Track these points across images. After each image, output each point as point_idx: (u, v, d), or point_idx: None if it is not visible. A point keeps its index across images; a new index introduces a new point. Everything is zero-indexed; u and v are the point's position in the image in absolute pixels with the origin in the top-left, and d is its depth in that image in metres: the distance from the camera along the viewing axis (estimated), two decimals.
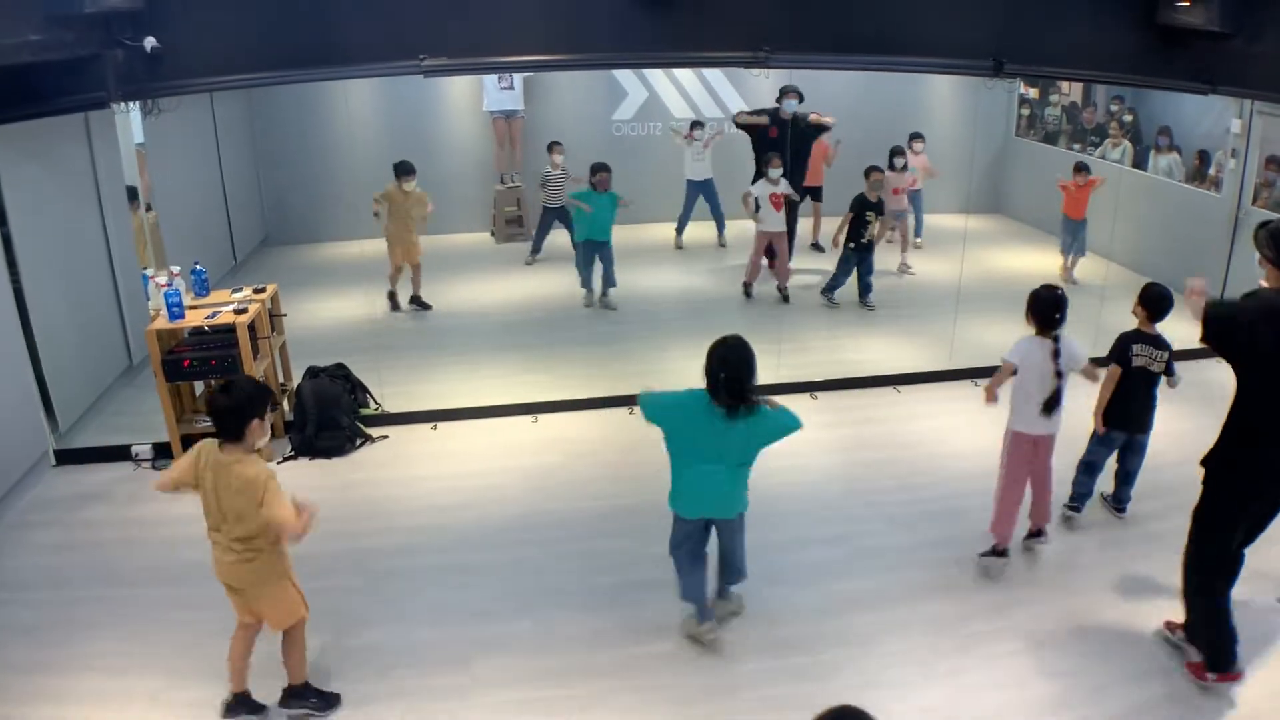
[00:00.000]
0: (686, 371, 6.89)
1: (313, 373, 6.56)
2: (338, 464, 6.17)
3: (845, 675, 4.19)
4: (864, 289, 8.97)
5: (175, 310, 5.96)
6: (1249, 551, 3.99)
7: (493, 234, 11.33)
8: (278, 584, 3.79)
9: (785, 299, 9.07)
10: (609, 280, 8.96)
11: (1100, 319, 7.53)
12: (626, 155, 10.94)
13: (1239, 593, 3.99)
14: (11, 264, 5.82)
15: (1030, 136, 12.19)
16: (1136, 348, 4.99)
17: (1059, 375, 4.65)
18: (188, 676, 4.19)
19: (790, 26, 5.74)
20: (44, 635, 4.49)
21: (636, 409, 6.75)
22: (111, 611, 4.66)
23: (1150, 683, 4.10)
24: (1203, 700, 3.98)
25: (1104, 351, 7.09)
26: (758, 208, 8.81)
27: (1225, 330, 3.70)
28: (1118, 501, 5.41)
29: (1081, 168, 9.36)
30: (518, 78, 10.77)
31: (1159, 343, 5.01)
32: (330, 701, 4.02)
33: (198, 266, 6.53)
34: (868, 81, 11.49)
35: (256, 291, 6.50)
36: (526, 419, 6.74)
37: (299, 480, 5.94)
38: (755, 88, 11.21)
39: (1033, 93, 12.03)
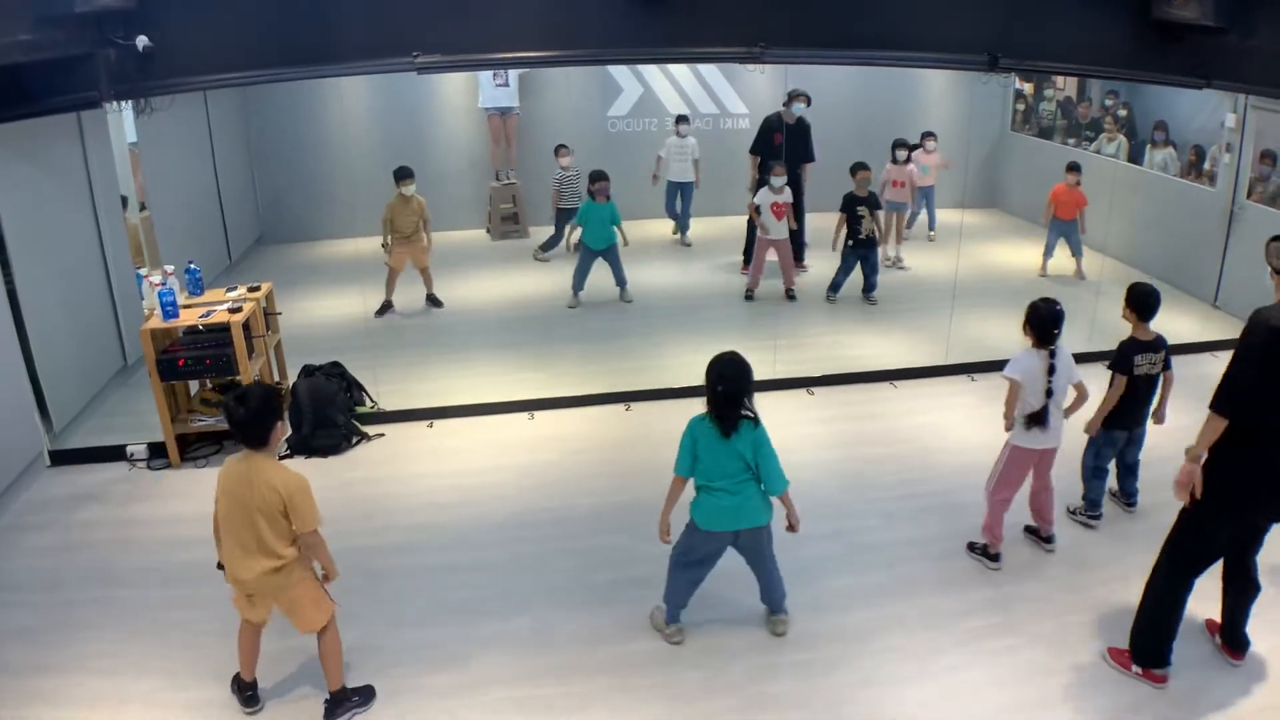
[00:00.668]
0: (682, 369, 6.98)
1: (308, 371, 6.55)
2: (334, 463, 6.16)
3: (842, 671, 4.20)
4: (869, 286, 8.97)
5: (169, 309, 5.95)
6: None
7: (488, 231, 11.31)
8: (305, 584, 3.80)
9: (791, 298, 9.05)
10: (619, 280, 8.96)
11: (1095, 315, 7.56)
12: (622, 152, 10.94)
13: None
14: (5, 264, 5.80)
15: (1026, 131, 12.20)
16: (1138, 358, 4.97)
17: (1049, 394, 4.64)
18: (184, 677, 4.18)
19: (785, 22, 5.72)
20: (40, 637, 4.48)
21: (633, 406, 6.83)
22: (107, 613, 4.65)
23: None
24: (1203, 697, 3.99)
25: (1099, 347, 7.16)
26: (759, 212, 8.80)
27: (1246, 387, 3.65)
28: (1127, 496, 5.42)
29: (1073, 167, 9.32)
30: (513, 74, 10.76)
31: (1157, 346, 5.00)
32: (368, 695, 4.04)
33: (192, 265, 6.52)
34: (863, 77, 11.49)
35: (251, 290, 6.49)
36: (523, 416, 6.73)
37: None
38: (750, 83, 11.20)
39: (1028, 88, 12.03)
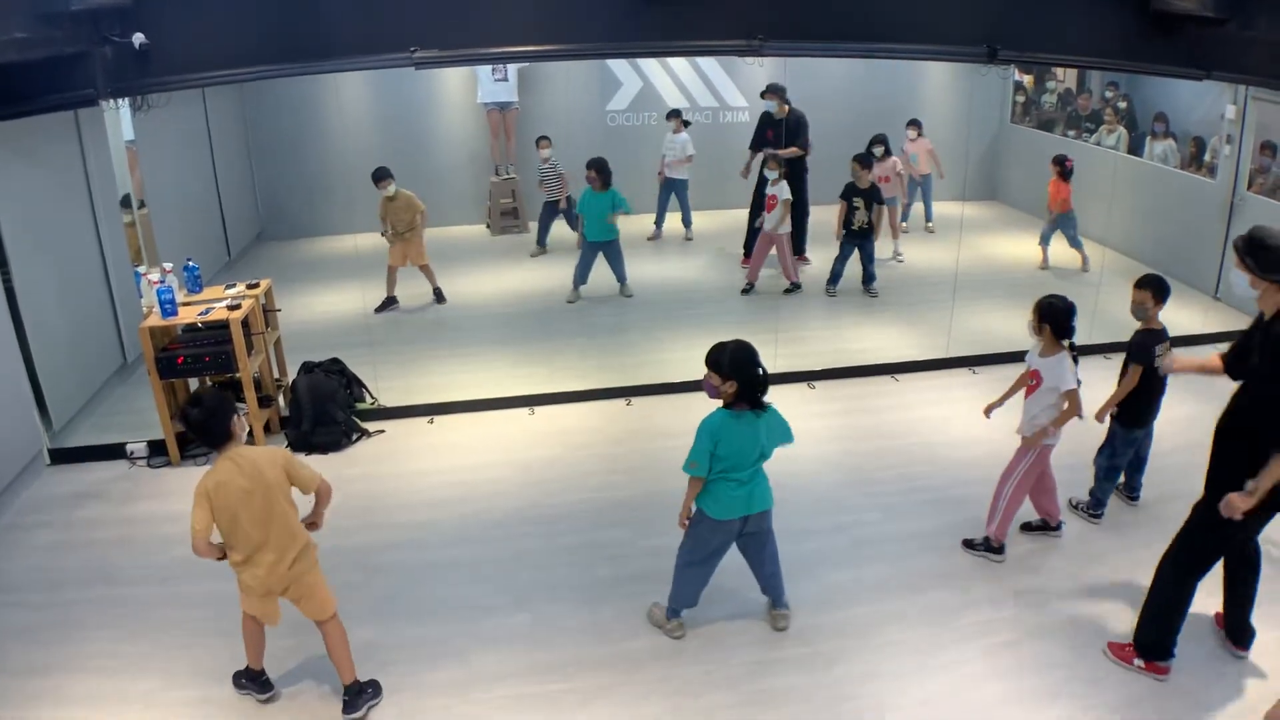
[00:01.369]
0: (683, 362, 6.96)
1: (308, 368, 6.54)
2: (334, 459, 6.15)
3: (844, 666, 4.19)
4: (866, 277, 8.95)
5: (168, 307, 5.93)
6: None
7: (488, 226, 11.30)
8: (317, 567, 3.84)
9: (792, 290, 9.00)
10: (619, 277, 8.93)
11: (1096, 307, 7.54)
12: (621, 146, 10.90)
13: None
14: (3, 263, 5.79)
15: (1025, 123, 12.17)
16: (1158, 348, 4.94)
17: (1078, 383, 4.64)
18: (184, 676, 4.18)
19: (784, 14, 5.70)
20: (40, 636, 4.47)
21: (634, 401, 6.82)
22: (107, 611, 4.65)
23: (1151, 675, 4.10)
24: (1204, 693, 3.98)
25: (1099, 340, 7.15)
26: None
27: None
28: (1131, 489, 5.41)
29: (1054, 160, 9.30)
30: (512, 69, 10.73)
31: (1163, 336, 4.98)
32: (378, 688, 4.06)
33: (190, 263, 6.50)
34: (863, 69, 11.46)
35: (250, 287, 6.48)
36: (523, 411, 6.72)
37: None
38: (750, 76, 11.17)
39: (1027, 79, 12.00)
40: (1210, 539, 3.88)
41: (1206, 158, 9.12)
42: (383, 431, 6.48)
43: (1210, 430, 3.89)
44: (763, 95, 9.30)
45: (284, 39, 5.32)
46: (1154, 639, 4.04)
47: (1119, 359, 5.15)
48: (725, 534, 4.23)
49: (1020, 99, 12.21)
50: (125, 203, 7.64)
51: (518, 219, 11.12)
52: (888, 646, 4.31)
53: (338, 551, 5.08)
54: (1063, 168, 9.18)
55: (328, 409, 6.30)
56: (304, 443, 6.21)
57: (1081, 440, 5.32)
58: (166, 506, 5.56)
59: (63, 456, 6.13)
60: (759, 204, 9.13)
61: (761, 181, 9.13)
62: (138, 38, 4.94)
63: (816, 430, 6.37)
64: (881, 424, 6.51)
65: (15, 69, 4.54)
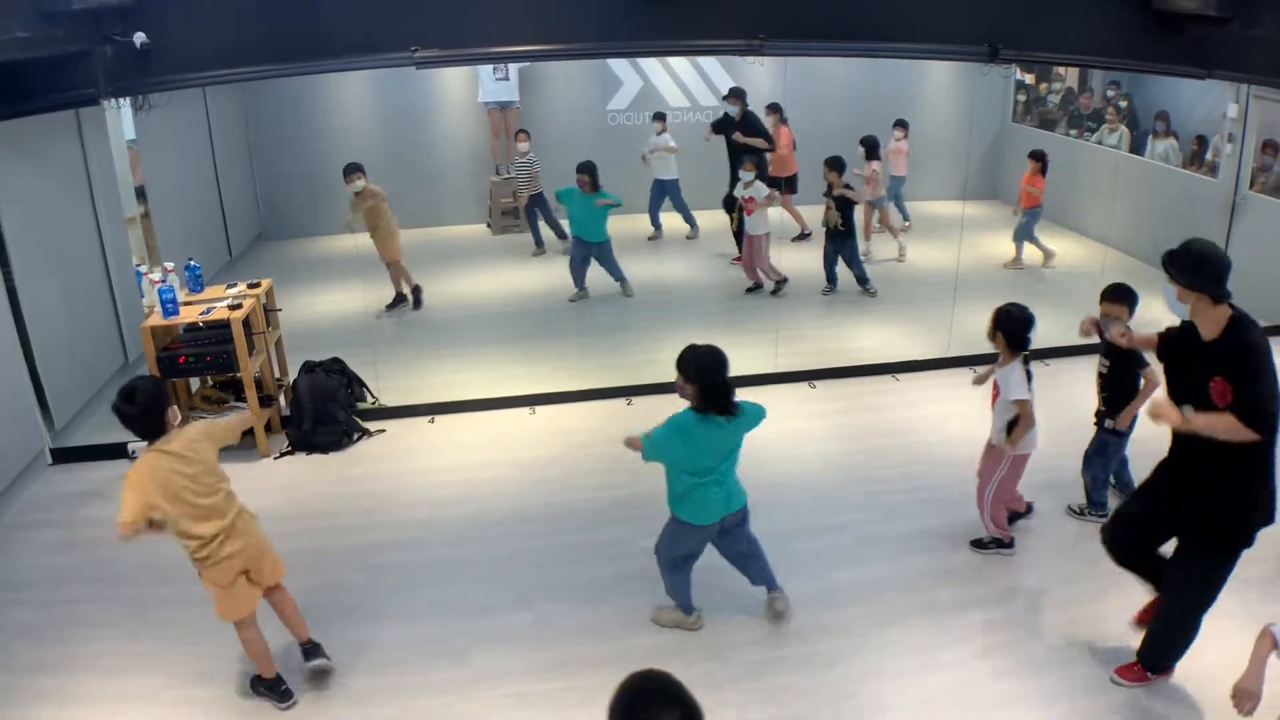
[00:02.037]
0: None
1: (309, 367, 6.54)
2: (335, 459, 6.16)
3: (845, 665, 4.20)
4: (856, 278, 8.91)
5: (169, 307, 5.94)
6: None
7: (489, 225, 11.30)
8: (255, 522, 3.94)
9: (774, 292, 8.92)
10: (616, 278, 8.89)
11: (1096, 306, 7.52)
12: (622, 145, 10.91)
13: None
14: (4, 262, 5.80)
15: (1027, 122, 12.16)
16: (1112, 324, 4.91)
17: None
18: (186, 675, 4.19)
19: (784, 13, 5.71)
20: (43, 635, 4.49)
21: (635, 400, 6.82)
22: (110, 610, 4.66)
23: None
24: (1205, 692, 3.97)
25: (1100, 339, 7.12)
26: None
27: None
28: (1124, 486, 5.41)
29: (1035, 155, 9.31)
30: (513, 68, 10.73)
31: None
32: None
33: (192, 262, 6.51)
34: (864, 68, 11.46)
35: (251, 286, 6.48)
36: (524, 411, 6.73)
37: (296, 476, 5.94)
38: (751, 76, 11.17)
39: (1029, 78, 11.99)
40: (1216, 586, 3.78)
41: (1208, 157, 9.11)
42: (383, 431, 6.49)
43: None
44: (724, 98, 9.63)
45: (285, 38, 5.33)
46: (1163, 658, 4.00)
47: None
48: (705, 536, 4.23)
49: (1021, 98, 12.21)
50: (141, 194, 7.61)
51: (519, 218, 11.11)
52: (888, 646, 4.31)
53: (338, 550, 5.10)
54: (1042, 162, 9.20)
55: (329, 408, 6.30)
56: (305, 442, 6.21)
57: (1071, 440, 5.32)
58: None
59: (65, 456, 6.14)
60: (731, 202, 9.27)
61: (733, 182, 9.20)
62: (139, 37, 4.95)
63: (817, 429, 6.37)
64: (882, 423, 6.51)
65: (17, 68, 4.56)
